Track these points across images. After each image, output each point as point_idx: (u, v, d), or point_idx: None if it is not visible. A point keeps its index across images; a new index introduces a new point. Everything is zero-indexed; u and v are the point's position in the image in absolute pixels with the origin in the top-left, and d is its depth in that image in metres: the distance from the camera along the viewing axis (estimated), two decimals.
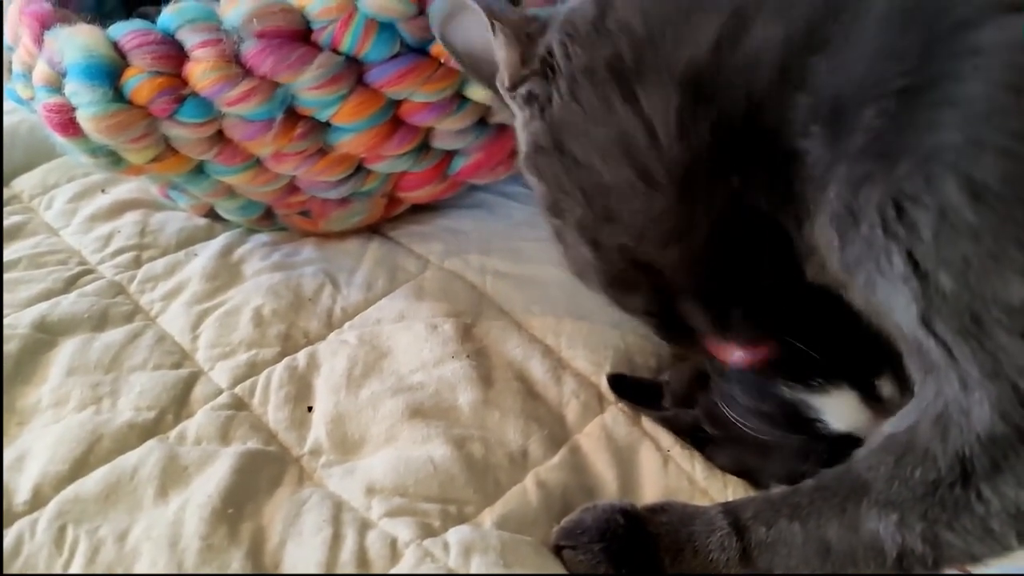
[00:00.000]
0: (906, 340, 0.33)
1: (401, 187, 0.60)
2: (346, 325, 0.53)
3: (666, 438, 0.46)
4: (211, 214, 0.63)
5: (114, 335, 0.51)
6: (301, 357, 0.50)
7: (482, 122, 0.57)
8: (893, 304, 0.31)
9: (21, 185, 0.66)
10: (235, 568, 0.36)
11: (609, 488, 0.43)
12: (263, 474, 0.42)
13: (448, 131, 0.56)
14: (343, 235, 0.61)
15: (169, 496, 0.40)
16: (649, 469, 0.45)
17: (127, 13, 0.71)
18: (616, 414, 0.47)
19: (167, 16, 0.51)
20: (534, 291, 0.55)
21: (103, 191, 0.65)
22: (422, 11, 0.50)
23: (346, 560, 0.37)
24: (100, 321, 0.52)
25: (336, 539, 0.38)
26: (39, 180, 0.66)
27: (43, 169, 0.67)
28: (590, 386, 0.49)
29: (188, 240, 0.60)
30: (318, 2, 0.49)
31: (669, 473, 0.44)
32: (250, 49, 0.49)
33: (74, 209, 0.63)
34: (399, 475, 0.42)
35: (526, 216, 0.64)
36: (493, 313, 0.54)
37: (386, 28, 0.50)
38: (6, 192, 0.65)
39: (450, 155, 0.59)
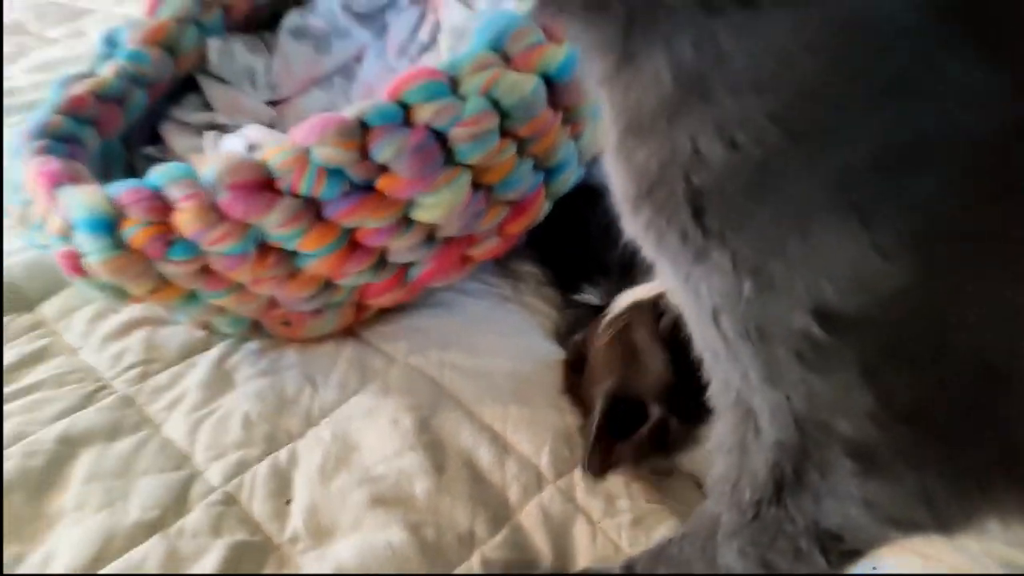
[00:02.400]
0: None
1: (366, 296, 0.69)
2: (322, 422, 0.62)
3: (597, 511, 0.54)
4: (208, 326, 0.72)
5: (125, 444, 0.60)
6: (283, 454, 0.59)
7: (430, 237, 0.66)
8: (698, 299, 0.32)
9: (46, 310, 0.76)
10: None
11: (546, 560, 0.51)
12: (247, 562, 0.50)
13: (400, 248, 0.65)
14: (321, 339, 0.70)
15: None
16: (581, 541, 0.53)
17: (129, 155, 0.83)
18: (553, 492, 0.56)
19: (156, 175, 0.61)
20: (485, 382, 0.64)
21: (115, 311, 0.75)
22: (365, 156, 0.60)
23: None
24: (113, 432, 0.61)
25: None
26: (61, 304, 0.76)
27: (64, 294, 0.78)
28: (531, 467, 0.57)
29: (188, 352, 0.70)
30: (278, 156, 0.59)
31: (598, 544, 0.52)
32: (224, 199, 0.59)
33: (91, 330, 0.73)
34: (362, 559, 0.50)
35: (481, 311, 0.73)
36: (449, 405, 0.62)
37: (335, 173, 0.59)
38: (32, 317, 0.75)
39: (406, 266, 0.68)
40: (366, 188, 0.61)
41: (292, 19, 0.91)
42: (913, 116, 0.27)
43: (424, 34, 0.88)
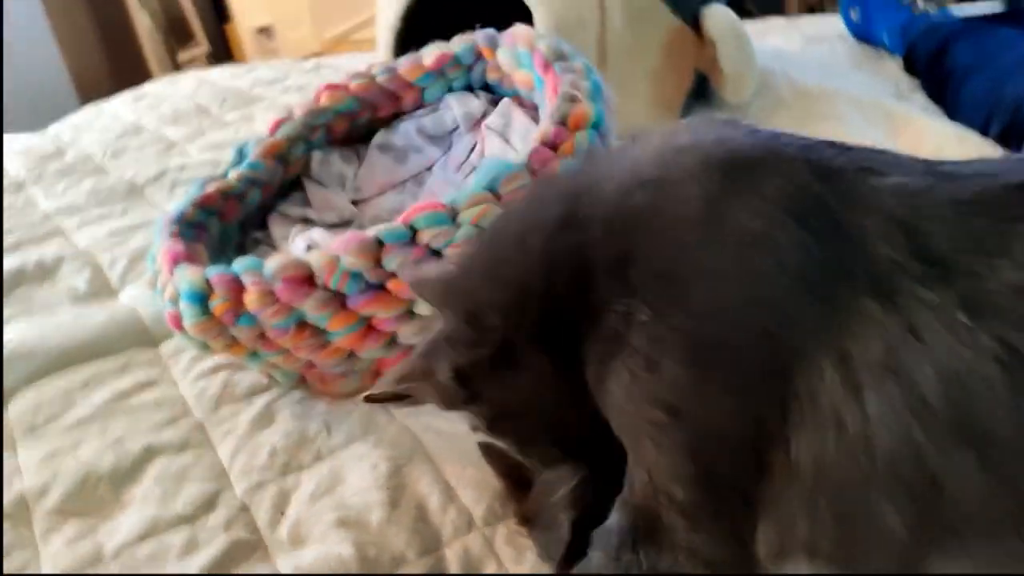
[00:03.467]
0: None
1: (383, 366, 0.89)
2: (327, 459, 0.81)
3: (508, 559, 0.70)
4: (269, 376, 0.95)
5: (187, 457, 0.82)
6: (290, 479, 0.79)
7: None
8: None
9: (164, 349, 1.02)
10: None
11: None
12: (240, 553, 0.70)
13: (407, 333, 0.85)
14: (346, 396, 0.90)
15: (183, 560, 0.69)
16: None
17: (242, 237, 1.09)
18: (477, 536, 0.71)
19: (236, 265, 0.84)
20: (457, 447, 0.80)
21: (210, 357, 0.99)
22: (378, 264, 0.80)
23: None
24: (182, 447, 0.84)
25: None
26: (175, 345, 1.02)
27: (178, 339, 1.03)
28: (466, 514, 0.73)
29: (251, 393, 0.92)
30: (317, 259, 0.81)
31: None
32: (278, 287, 0.81)
33: (190, 367, 0.97)
34: (315, 563, 0.68)
35: None
36: (420, 459, 0.80)
37: (356, 275, 0.80)
38: (154, 353, 1.01)
39: (413, 346, 0.87)
40: (379, 287, 0.81)
41: (380, 136, 1.15)
42: None
43: (476, 157, 1.09)
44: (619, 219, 0.50)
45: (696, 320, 0.44)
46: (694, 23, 1.44)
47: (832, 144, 0.48)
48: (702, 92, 1.54)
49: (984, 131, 1.32)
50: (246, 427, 0.86)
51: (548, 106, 0.91)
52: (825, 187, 0.44)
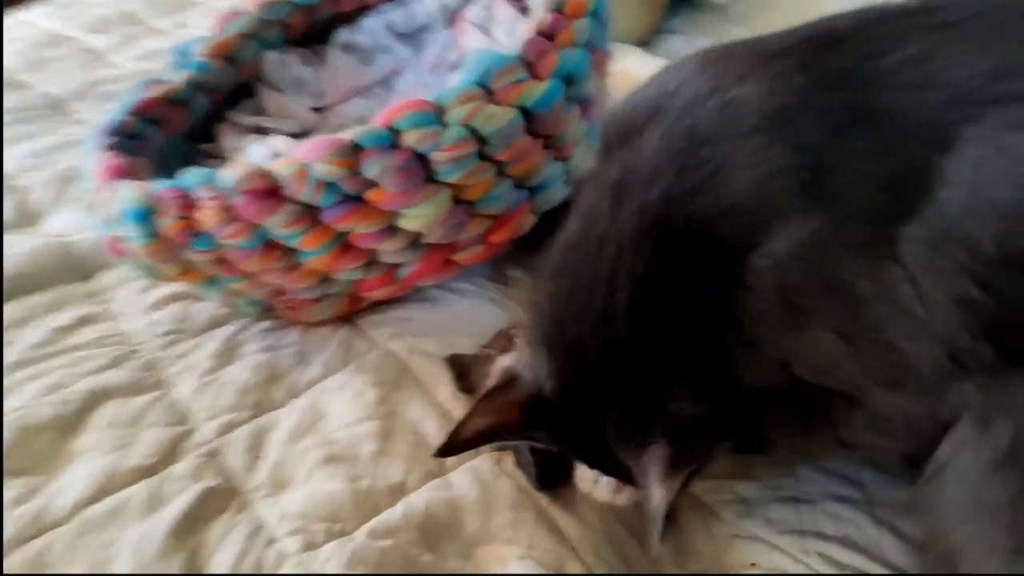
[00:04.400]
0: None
1: (360, 289, 0.79)
2: (304, 395, 0.72)
3: (520, 477, 0.62)
4: (231, 305, 0.84)
5: (141, 400, 0.72)
6: (264, 419, 0.69)
7: (415, 243, 0.75)
8: None
9: (104, 280, 0.90)
10: (176, 569, 0.56)
11: (468, 505, 0.60)
12: (214, 504, 0.61)
13: (388, 251, 0.74)
14: (320, 324, 0.80)
15: (148, 517, 0.60)
16: (504, 494, 0.61)
17: (188, 149, 0.96)
18: (487, 459, 0.64)
19: (185, 178, 0.72)
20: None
21: (160, 286, 0.88)
22: (356, 172, 0.69)
23: (246, 568, 0.56)
24: (134, 389, 0.73)
25: (243, 552, 0.57)
26: (117, 276, 0.90)
27: (120, 269, 0.91)
28: None
29: (211, 326, 0.81)
30: (284, 169, 0.70)
31: (520, 497, 0.60)
32: (238, 201, 0.70)
33: (136, 300, 0.86)
34: (305, 505, 0.60)
35: (464, 309, 0.81)
36: (410, 382, 0.72)
37: (331, 185, 0.69)
38: (90, 286, 0.89)
39: (395, 266, 0.77)
40: (357, 199, 0.71)
41: (342, 35, 1.02)
42: None
43: (453, 55, 0.97)
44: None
45: None
46: None
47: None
48: None
49: None
50: (207, 364, 0.76)
51: None
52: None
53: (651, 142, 0.53)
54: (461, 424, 0.56)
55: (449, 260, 0.79)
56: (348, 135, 0.69)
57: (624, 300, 0.51)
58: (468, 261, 0.80)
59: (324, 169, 0.69)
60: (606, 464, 0.55)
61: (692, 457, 0.50)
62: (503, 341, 0.72)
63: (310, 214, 0.70)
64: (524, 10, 0.90)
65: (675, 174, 0.51)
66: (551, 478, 0.61)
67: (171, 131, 0.92)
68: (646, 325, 0.51)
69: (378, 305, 0.82)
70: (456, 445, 0.55)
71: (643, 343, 0.51)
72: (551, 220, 0.81)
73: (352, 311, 0.82)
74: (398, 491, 0.61)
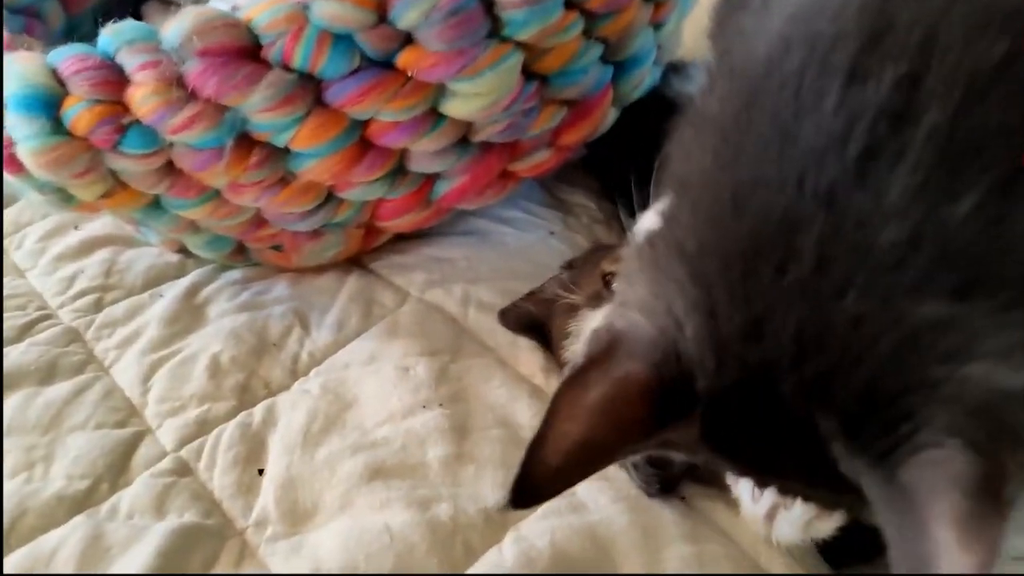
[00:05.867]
0: None
1: (379, 216, 0.54)
2: (312, 372, 0.48)
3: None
4: (184, 250, 0.58)
5: (60, 389, 0.46)
6: (258, 412, 0.44)
7: (464, 141, 0.51)
8: None
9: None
10: None
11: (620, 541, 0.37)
12: (195, 555, 0.36)
13: (424, 152, 0.50)
14: (320, 269, 0.56)
15: None
16: (672, 524, 0.38)
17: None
18: None
19: (105, 38, 0.46)
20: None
21: (75, 228, 0.61)
22: (383, 19, 0.44)
23: None
24: (48, 373, 0.48)
25: None
26: (12, 218, 0.63)
27: (18, 206, 0.64)
28: None
29: (156, 279, 0.56)
30: (265, 14, 0.44)
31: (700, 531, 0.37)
32: (193, 69, 0.44)
33: (43, 248, 0.59)
34: (350, 550, 0.36)
35: (522, 244, 0.58)
36: (474, 349, 0.48)
37: (342, 40, 0.44)
38: None
39: (431, 179, 0.53)
40: (383, 65, 0.46)
41: None
42: None
43: None
44: None
45: None
46: None
47: None
48: None
49: None
50: (157, 332, 0.50)
51: None
52: None
53: None
54: (539, 441, 0.30)
55: (506, 171, 0.55)
56: None
57: (936, 124, 0.25)
58: (530, 173, 0.57)
59: (331, 11, 0.44)
60: (811, 482, 0.30)
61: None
62: (592, 279, 0.48)
63: (309, 90, 0.46)
64: None
65: None
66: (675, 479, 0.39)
67: (76, 7, 0.64)
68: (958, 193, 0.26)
69: (401, 241, 0.57)
70: (541, 483, 0.31)
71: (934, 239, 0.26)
72: (631, 121, 0.59)
73: (364, 250, 0.57)
74: (499, 520, 0.37)
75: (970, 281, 0.25)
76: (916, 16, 0.26)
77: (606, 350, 0.30)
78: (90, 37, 0.65)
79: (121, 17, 0.69)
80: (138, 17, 0.70)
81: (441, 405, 0.44)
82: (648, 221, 0.36)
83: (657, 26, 0.56)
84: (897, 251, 0.25)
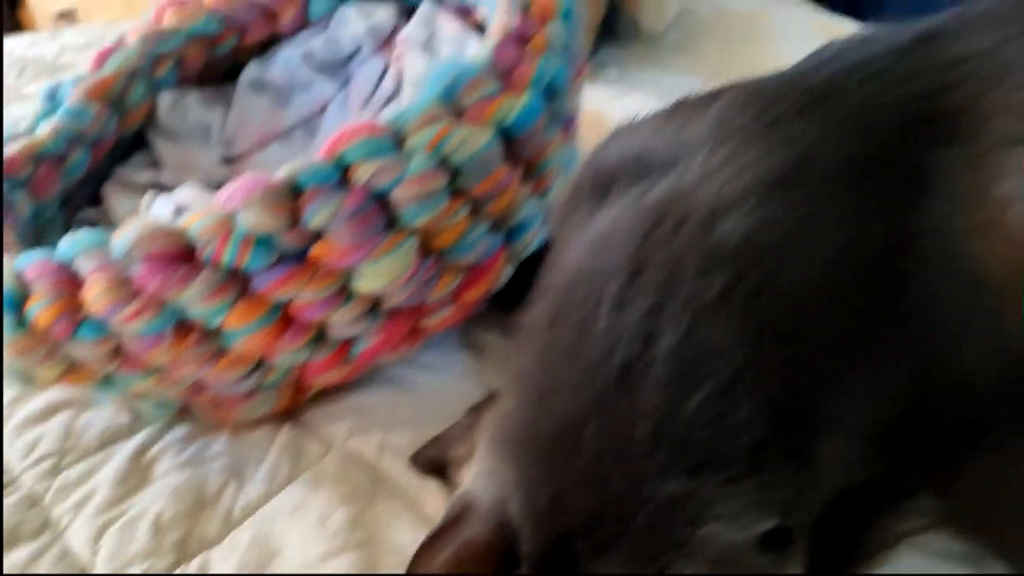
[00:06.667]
0: None
1: (306, 375, 0.62)
2: (245, 523, 0.54)
3: None
4: (135, 409, 0.65)
5: (21, 554, 0.52)
6: (193, 566, 0.51)
7: (375, 308, 0.59)
8: None
9: None
10: None
11: None
12: None
13: (340, 323, 0.58)
14: (256, 423, 0.62)
15: None
16: None
17: (67, 218, 0.77)
18: None
19: (64, 247, 0.55)
20: None
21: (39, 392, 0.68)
22: (297, 221, 0.53)
23: None
24: (11, 539, 0.54)
25: None
26: None
27: None
28: None
29: (110, 439, 0.62)
30: (199, 223, 0.53)
31: None
32: (138, 271, 0.52)
33: (10, 414, 0.66)
34: None
35: (437, 388, 0.65)
36: (388, 493, 0.55)
37: (263, 241, 0.53)
38: None
39: (349, 341, 0.61)
40: (298, 257, 0.54)
41: (251, 71, 0.86)
42: None
43: (388, 85, 0.82)
44: None
45: None
46: None
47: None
48: (608, 27, 1.35)
49: None
50: (108, 493, 0.57)
51: None
52: None
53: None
54: None
55: (415, 328, 0.63)
56: (284, 173, 0.53)
57: (671, 345, 0.35)
58: (438, 327, 0.64)
59: (253, 220, 0.52)
60: None
61: None
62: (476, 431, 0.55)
63: (237, 282, 0.54)
64: (478, 27, 0.77)
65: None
66: None
67: (43, 195, 0.73)
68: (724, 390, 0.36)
69: (328, 393, 0.65)
70: None
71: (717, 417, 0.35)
72: (528, 270, 0.68)
73: (296, 404, 0.64)
74: None
75: (702, 462, 0.33)
76: (663, 259, 0.35)
77: (458, 515, 0.38)
78: (54, 221, 0.75)
79: (82, 200, 0.79)
80: (99, 199, 0.80)
81: (356, 548, 0.50)
82: None
83: (541, 193, 0.66)
84: (647, 443, 0.33)
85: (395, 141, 0.55)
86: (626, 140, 0.48)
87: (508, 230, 0.64)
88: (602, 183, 0.45)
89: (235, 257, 0.53)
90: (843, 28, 1.26)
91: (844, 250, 0.35)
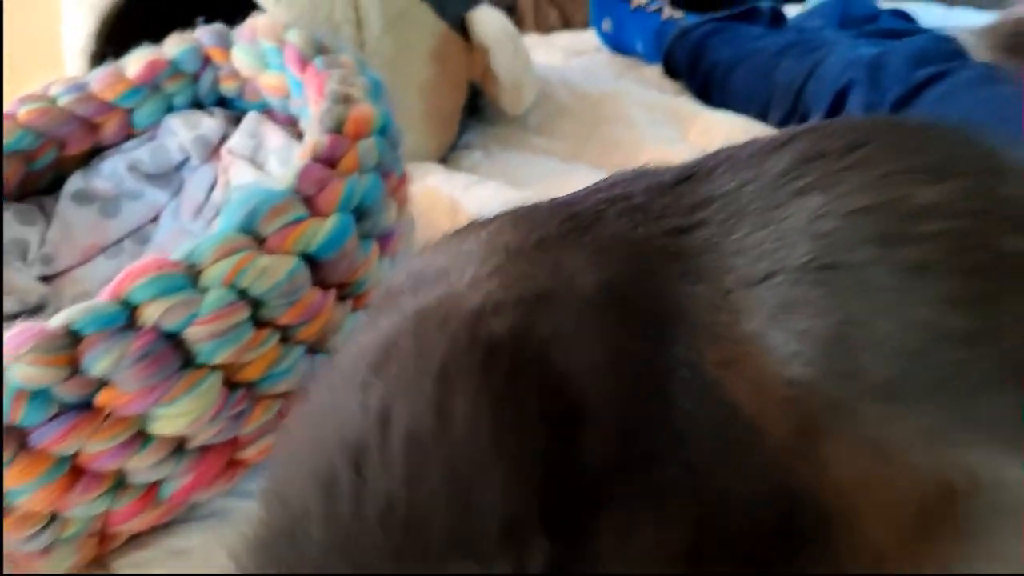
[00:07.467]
0: None
1: (110, 522, 0.57)
2: None
3: None
4: None
5: None
6: None
7: (181, 448, 0.56)
8: None
9: None
10: None
11: None
12: None
13: (140, 467, 0.55)
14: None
15: None
16: None
17: None
18: None
19: None
20: None
21: None
22: (76, 370, 0.50)
23: None
24: None
25: None
26: None
27: None
28: None
29: None
30: None
31: None
32: None
33: None
34: None
35: None
36: None
37: (39, 394, 0.49)
38: None
39: (156, 484, 0.57)
40: (82, 406, 0.51)
41: (74, 183, 0.82)
42: None
43: (219, 195, 0.80)
44: None
45: None
46: (461, 28, 1.26)
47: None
48: (474, 106, 1.37)
49: (763, 118, 1.29)
50: None
51: (314, 112, 0.65)
52: None
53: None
54: None
55: (232, 461, 0.60)
56: (59, 320, 0.50)
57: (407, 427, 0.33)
58: (260, 458, 0.61)
59: (26, 373, 0.49)
60: None
61: None
62: None
63: (13, 437, 0.50)
64: (301, 136, 0.76)
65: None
66: None
67: None
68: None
69: (138, 537, 0.60)
70: None
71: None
72: None
73: (105, 552, 0.60)
74: None
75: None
76: (412, 346, 0.34)
77: None
78: None
79: None
80: None
81: None
82: None
83: (365, 310, 0.65)
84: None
85: (189, 276, 0.53)
86: (415, 260, 0.48)
87: (329, 350, 0.62)
88: (390, 299, 0.45)
89: (8, 413, 0.49)
90: (692, 110, 1.32)
91: (614, 358, 0.34)
